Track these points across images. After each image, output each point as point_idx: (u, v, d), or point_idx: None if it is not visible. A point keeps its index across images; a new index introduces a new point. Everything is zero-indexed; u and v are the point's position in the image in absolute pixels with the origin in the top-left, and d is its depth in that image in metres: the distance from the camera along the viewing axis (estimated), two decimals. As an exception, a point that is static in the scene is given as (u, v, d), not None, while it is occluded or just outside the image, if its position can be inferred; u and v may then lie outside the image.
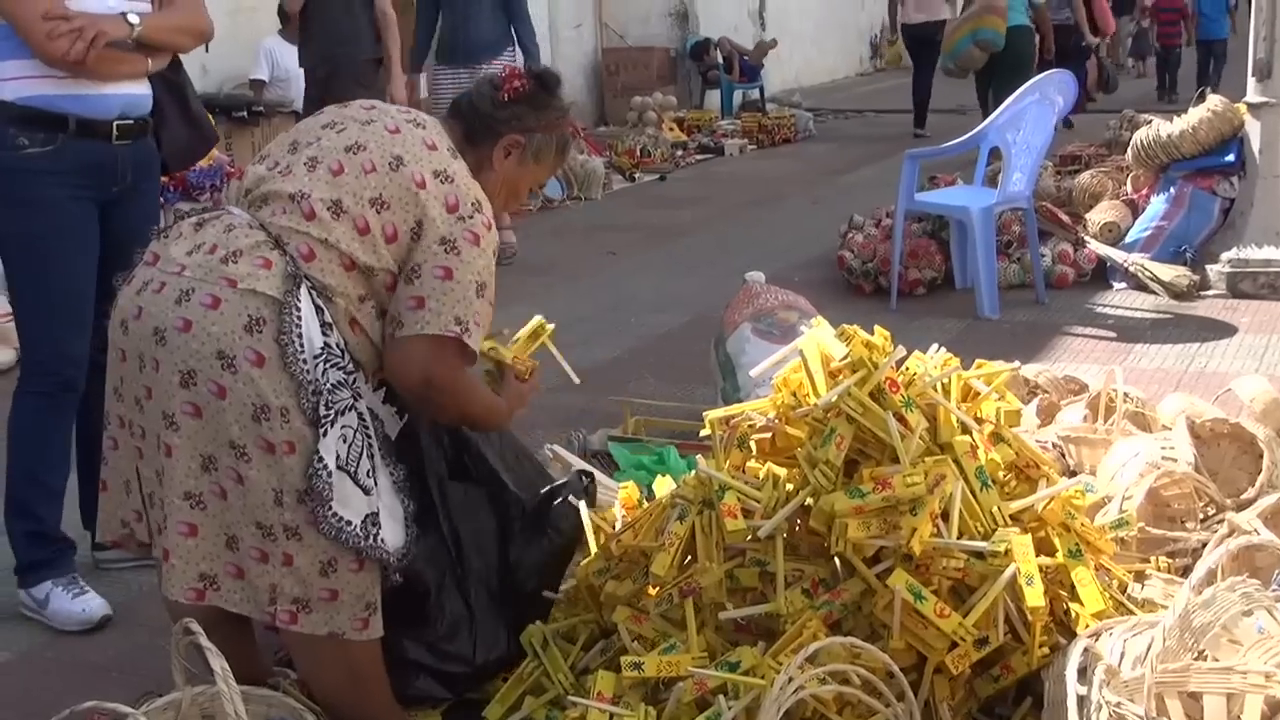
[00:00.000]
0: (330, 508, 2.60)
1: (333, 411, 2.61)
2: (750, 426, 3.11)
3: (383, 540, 2.69)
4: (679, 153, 12.76)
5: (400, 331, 2.68)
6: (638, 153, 12.22)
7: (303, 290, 2.62)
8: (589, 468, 3.24)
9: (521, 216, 9.73)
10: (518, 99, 2.92)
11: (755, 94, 15.69)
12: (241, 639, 2.92)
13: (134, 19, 3.58)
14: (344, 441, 2.63)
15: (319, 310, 2.64)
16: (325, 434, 2.60)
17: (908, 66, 14.27)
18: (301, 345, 2.59)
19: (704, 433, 3.24)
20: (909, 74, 19.57)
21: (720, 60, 15.37)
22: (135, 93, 3.71)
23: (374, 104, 2.93)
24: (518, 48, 8.09)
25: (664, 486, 3.43)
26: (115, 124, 3.64)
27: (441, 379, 2.71)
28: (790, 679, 2.47)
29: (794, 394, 3.01)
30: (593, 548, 3.26)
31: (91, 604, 3.73)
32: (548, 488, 3.23)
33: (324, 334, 2.63)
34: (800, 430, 2.96)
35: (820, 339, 3.03)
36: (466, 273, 2.68)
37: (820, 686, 2.52)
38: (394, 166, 2.72)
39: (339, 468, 2.61)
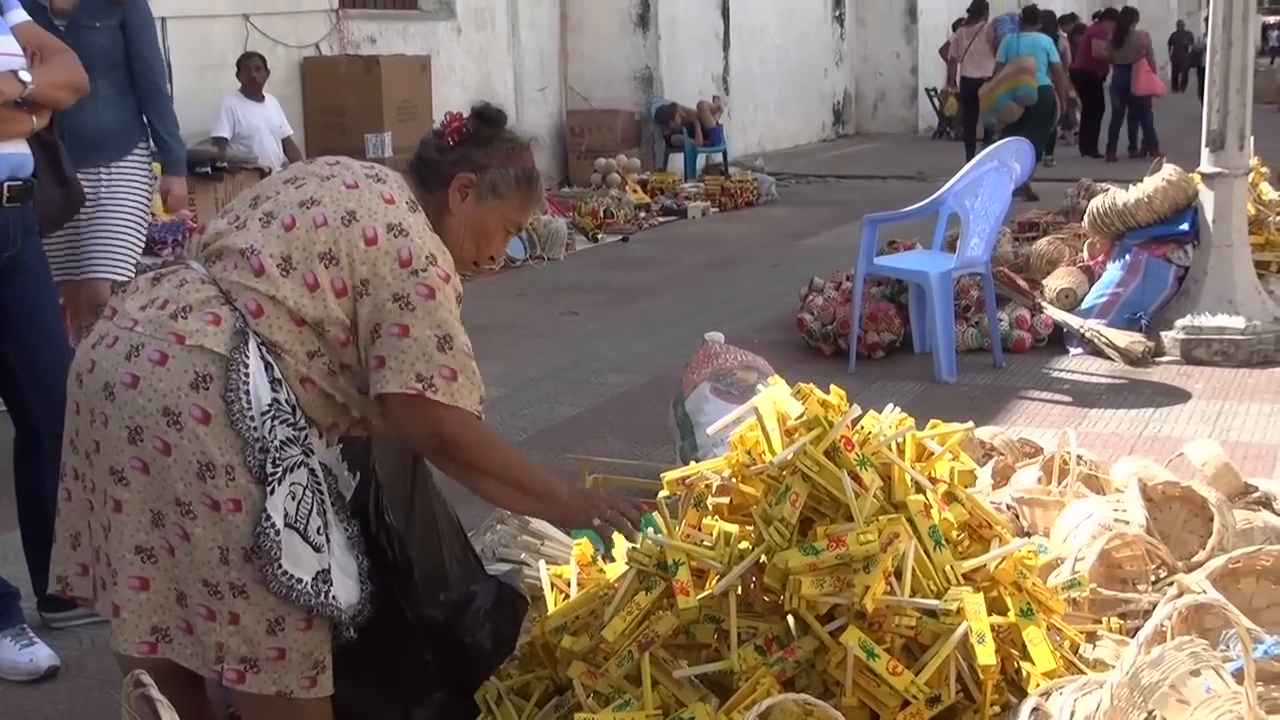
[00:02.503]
0: (280, 566, 2.58)
1: (280, 469, 2.59)
2: (707, 487, 3.12)
3: (334, 597, 2.67)
4: (642, 214, 12.81)
5: (372, 391, 2.69)
6: (601, 214, 12.28)
7: (251, 346, 2.61)
8: (513, 583, 3.18)
9: (485, 276, 9.75)
10: (462, 140, 2.90)
11: (718, 158, 15.80)
12: (193, 693, 2.90)
13: (26, 77, 3.52)
14: (293, 499, 2.61)
15: (268, 366, 2.62)
16: (273, 492, 2.57)
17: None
18: (248, 402, 2.58)
19: (663, 494, 3.25)
20: (869, 140, 20.13)
21: (682, 124, 15.49)
22: (20, 152, 3.63)
23: (338, 160, 2.91)
24: (153, 143, 5.68)
25: (621, 542, 3.42)
26: (5, 185, 3.57)
27: (447, 437, 2.69)
28: (742, 736, 2.47)
29: (749, 452, 3.02)
30: (551, 604, 3.25)
31: (39, 655, 3.69)
32: (457, 597, 3.11)
33: (273, 390, 2.61)
34: (755, 488, 2.97)
35: (776, 397, 3.05)
36: (423, 328, 2.66)
37: (772, 744, 2.52)
38: (346, 221, 2.70)
39: (288, 525, 2.59)
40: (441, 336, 2.68)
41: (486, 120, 2.95)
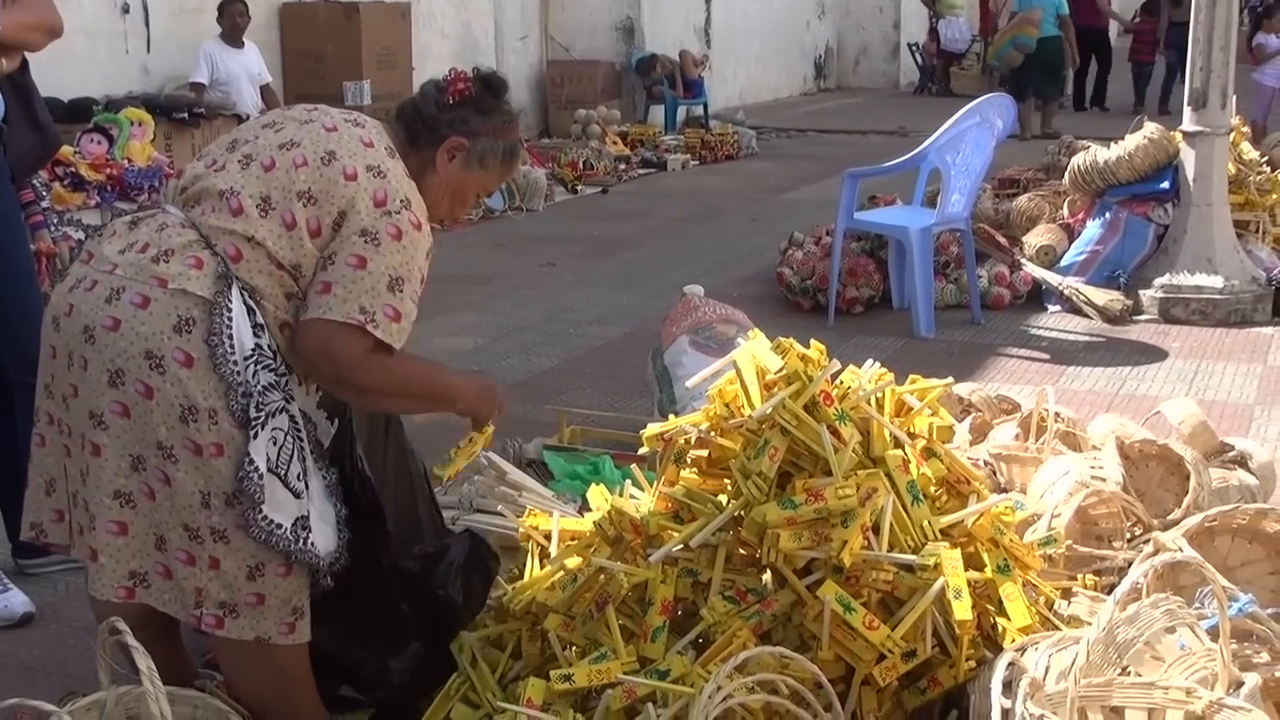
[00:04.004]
0: (261, 511, 2.58)
1: (263, 414, 2.58)
2: (687, 442, 3.11)
3: (313, 544, 2.67)
4: (622, 166, 12.76)
5: (304, 315, 2.64)
6: (580, 165, 12.22)
7: (234, 291, 2.59)
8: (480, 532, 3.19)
9: (463, 226, 9.70)
10: (462, 102, 2.88)
11: (699, 110, 15.72)
12: (168, 640, 2.90)
13: None
14: (274, 444, 2.60)
15: (250, 311, 2.61)
16: (255, 436, 2.57)
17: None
18: (232, 346, 2.57)
19: (643, 450, 3.24)
20: (850, 95, 20.17)
21: (663, 76, 15.40)
22: None
23: (316, 106, 2.89)
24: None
25: (597, 496, 3.42)
26: None
27: (345, 361, 2.63)
28: (719, 687, 2.47)
29: (727, 405, 3.02)
30: (532, 568, 3.25)
31: (13, 601, 3.69)
32: (431, 549, 3.10)
33: (255, 335, 2.60)
34: (734, 441, 2.97)
35: (755, 351, 3.04)
36: (380, 264, 2.63)
37: (749, 695, 2.52)
38: (326, 161, 2.69)
39: (269, 470, 2.59)
40: (395, 278, 2.65)
41: (491, 89, 2.94)
